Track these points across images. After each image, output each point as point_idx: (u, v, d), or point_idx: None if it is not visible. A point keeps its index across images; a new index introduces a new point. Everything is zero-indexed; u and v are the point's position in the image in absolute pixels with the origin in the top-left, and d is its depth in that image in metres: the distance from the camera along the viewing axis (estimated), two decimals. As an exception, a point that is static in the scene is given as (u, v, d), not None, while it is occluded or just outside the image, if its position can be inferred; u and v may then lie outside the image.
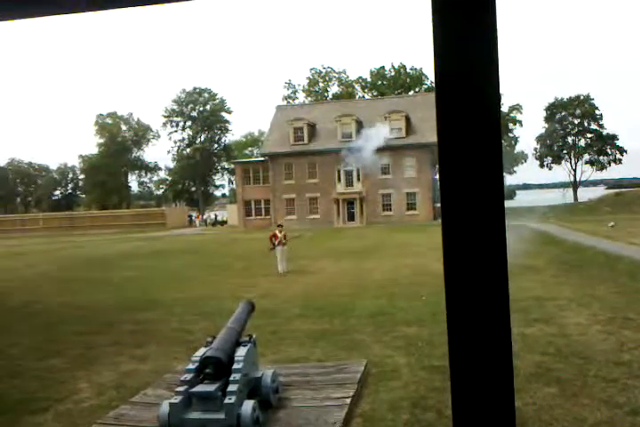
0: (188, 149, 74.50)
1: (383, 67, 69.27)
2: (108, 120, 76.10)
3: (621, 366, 5.94)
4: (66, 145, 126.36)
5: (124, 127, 77.34)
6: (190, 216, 61.13)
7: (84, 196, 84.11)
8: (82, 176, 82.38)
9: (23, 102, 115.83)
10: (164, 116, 74.68)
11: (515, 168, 73.82)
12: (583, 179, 76.40)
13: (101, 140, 75.29)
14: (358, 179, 45.73)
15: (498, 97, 0.88)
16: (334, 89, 72.17)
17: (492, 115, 0.87)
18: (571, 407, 4.85)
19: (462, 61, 0.86)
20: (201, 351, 4.85)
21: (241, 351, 4.83)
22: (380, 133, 41.60)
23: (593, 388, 5.29)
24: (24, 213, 70.94)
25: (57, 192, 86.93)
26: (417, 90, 66.31)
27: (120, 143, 75.26)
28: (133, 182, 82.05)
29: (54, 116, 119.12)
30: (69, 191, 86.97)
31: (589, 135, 74.13)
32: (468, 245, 0.87)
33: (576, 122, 73.96)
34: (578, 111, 73.51)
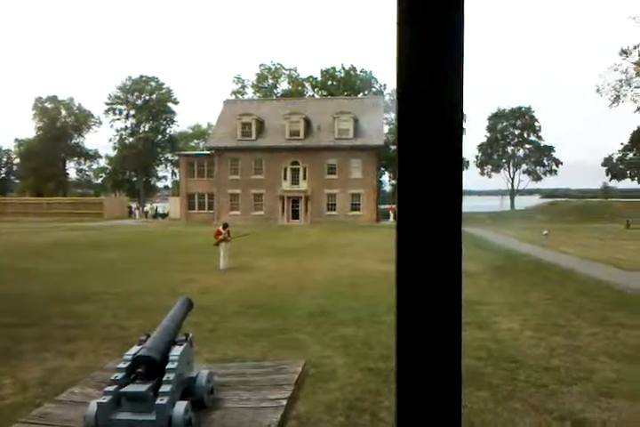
0: (131, 139, 72.54)
1: (334, 67, 69.59)
2: (48, 104, 73.10)
3: (551, 371, 6.15)
4: (1, 128, 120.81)
5: (64, 112, 74.46)
6: (130, 207, 59.54)
7: (18, 181, 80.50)
8: (17, 161, 78.91)
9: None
10: (107, 104, 72.45)
11: (457, 174, 75.54)
12: (520, 187, 79.33)
13: (40, 125, 72.30)
14: (304, 177, 45.73)
15: (460, 108, 0.86)
16: (284, 86, 71.95)
17: (454, 124, 0.86)
18: (501, 412, 4.96)
19: (426, 72, 0.84)
20: (134, 350, 4.66)
21: (176, 351, 4.67)
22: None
23: (523, 393, 5.44)
24: (-49, 197, 67.28)
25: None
26: (366, 92, 66.90)
27: (59, 129, 72.45)
28: (71, 170, 79.23)
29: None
30: (2, 176, 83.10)
31: (528, 146, 77.03)
32: (422, 249, 0.85)
33: (516, 133, 76.65)
34: (518, 122, 76.19)
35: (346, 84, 68.02)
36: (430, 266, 0.85)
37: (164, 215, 56.57)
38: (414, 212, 0.85)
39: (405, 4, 0.84)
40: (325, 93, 66.77)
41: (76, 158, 77.76)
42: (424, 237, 0.85)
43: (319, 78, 70.15)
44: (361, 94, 64.84)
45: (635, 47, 28.83)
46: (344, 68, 69.27)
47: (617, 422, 4.78)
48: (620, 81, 29.04)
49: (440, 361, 0.85)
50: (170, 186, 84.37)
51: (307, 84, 71.34)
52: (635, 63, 28.95)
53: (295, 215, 45.43)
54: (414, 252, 0.85)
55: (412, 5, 0.84)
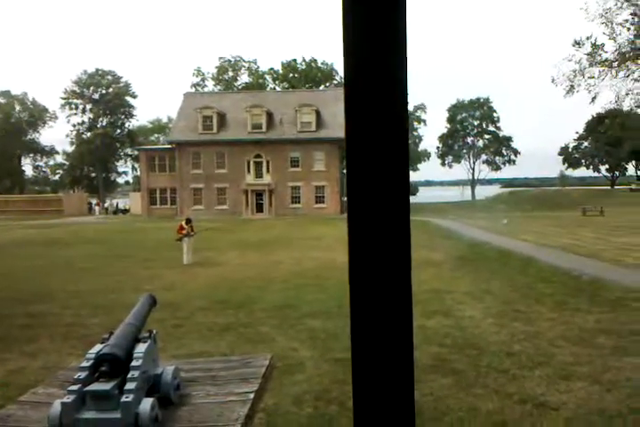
0: (89, 134, 70.88)
1: (295, 60, 69.30)
2: (1, 99, 70.86)
3: (512, 356, 6.31)
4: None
5: (18, 107, 72.29)
6: (90, 203, 58.31)
7: (-29, 179, 77.80)
8: (-31, 158, 76.27)
9: None
10: (63, 98, 70.58)
11: (418, 165, 76.68)
12: (481, 177, 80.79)
13: (-8, 121, 70.00)
14: (268, 170, 45.57)
15: (405, 96, 0.89)
16: (244, 78, 71.34)
17: (399, 113, 0.89)
18: (465, 397, 5.09)
19: (372, 60, 0.86)
20: (97, 348, 4.58)
21: (140, 348, 4.61)
22: None
23: (486, 378, 5.58)
24: None
25: (-61, 174, 79.91)
26: (327, 84, 66.88)
27: (14, 124, 70.26)
28: (27, 166, 77.01)
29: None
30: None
31: (487, 136, 78.40)
32: (372, 240, 0.87)
33: (475, 123, 77.89)
34: (477, 113, 77.43)
35: (307, 77, 67.86)
36: (380, 256, 0.87)
37: (126, 211, 55.65)
38: (363, 203, 0.87)
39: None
40: (287, 86, 66.49)
41: (31, 155, 75.69)
42: (374, 227, 0.87)
43: (280, 71, 69.79)
44: (322, 87, 64.80)
45: (587, 38, 29.46)
46: (305, 61, 69.10)
47: (575, 402, 4.95)
48: (574, 71, 29.66)
49: (393, 347, 0.88)
50: (130, 181, 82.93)
51: (267, 77, 70.90)
52: (587, 54, 29.60)
53: (259, 208, 45.28)
54: (365, 243, 0.87)
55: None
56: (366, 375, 0.88)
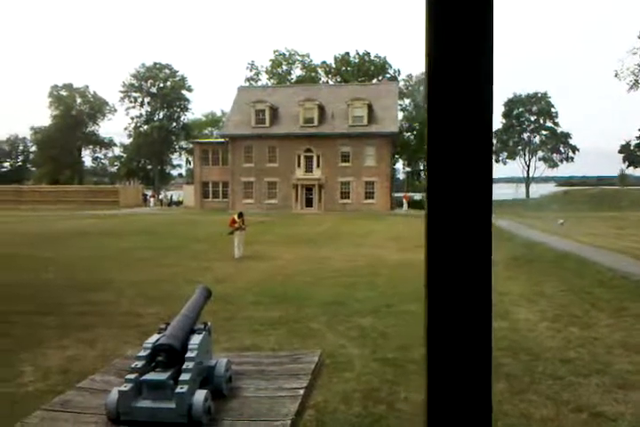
0: (146, 126, 72.72)
1: (348, 53, 68.96)
2: (63, 92, 73.46)
3: (567, 363, 6.12)
4: (17, 116, 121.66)
5: (79, 100, 74.83)
6: (145, 195, 59.88)
7: (34, 169, 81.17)
8: (33, 149, 79.57)
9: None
10: (122, 91, 72.64)
11: (471, 162, 74.93)
12: (536, 175, 78.41)
13: (56, 113, 72.73)
14: (318, 165, 45.64)
15: (490, 93, 0.85)
16: (297, 72, 71.54)
17: (484, 110, 0.85)
18: (518, 403, 4.97)
19: (456, 54, 0.83)
20: (153, 338, 4.68)
21: (195, 339, 4.69)
22: None
23: (540, 384, 5.43)
24: (-31, 185, 67.87)
25: (6, 164, 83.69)
26: (380, 78, 66.32)
27: (75, 117, 72.81)
28: (87, 158, 79.78)
29: (5, 85, 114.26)
30: (19, 164, 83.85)
31: (544, 132, 75.87)
32: (452, 239, 0.85)
33: (532, 119, 75.51)
34: (534, 108, 75.02)
35: (360, 70, 67.45)
36: (460, 255, 0.84)
37: (179, 203, 56.90)
38: (444, 201, 0.84)
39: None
40: (339, 79, 66.31)
41: (91, 146, 78.27)
42: (454, 226, 0.84)
43: (332, 64, 69.62)
44: (375, 80, 64.31)
45: (655, 31, 28.12)
46: (358, 54, 68.66)
47: (633, 413, 4.77)
48: (639, 65, 28.42)
49: (470, 351, 0.85)
50: (184, 174, 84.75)
51: (320, 71, 70.86)
52: (654, 47, 28.29)
53: (309, 203, 45.42)
54: (444, 241, 0.85)
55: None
56: (442, 378, 0.86)
